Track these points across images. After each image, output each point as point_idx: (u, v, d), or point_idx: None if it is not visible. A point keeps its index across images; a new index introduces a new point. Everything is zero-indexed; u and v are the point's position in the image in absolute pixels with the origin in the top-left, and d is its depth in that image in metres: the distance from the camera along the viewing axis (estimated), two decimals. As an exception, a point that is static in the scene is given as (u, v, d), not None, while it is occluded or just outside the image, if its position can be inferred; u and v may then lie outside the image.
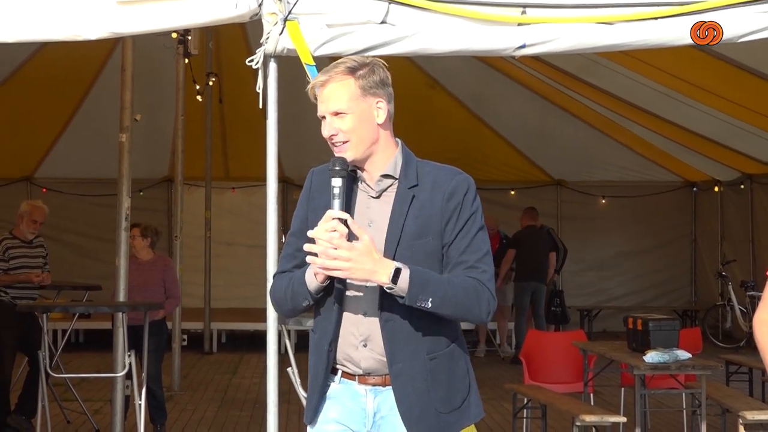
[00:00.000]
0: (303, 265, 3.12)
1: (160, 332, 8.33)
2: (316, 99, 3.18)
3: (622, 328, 8.03)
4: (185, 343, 12.39)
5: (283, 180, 15.84)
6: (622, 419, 6.97)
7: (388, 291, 3.00)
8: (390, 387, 3.12)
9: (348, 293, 3.13)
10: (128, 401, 7.52)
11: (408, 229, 3.09)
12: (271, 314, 4.76)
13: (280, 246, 5.41)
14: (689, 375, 7.45)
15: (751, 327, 12.63)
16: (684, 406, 8.39)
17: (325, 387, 3.18)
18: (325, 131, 3.14)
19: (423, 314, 3.04)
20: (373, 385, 3.15)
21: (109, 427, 7.42)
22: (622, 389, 8.35)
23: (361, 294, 3.11)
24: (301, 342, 13.75)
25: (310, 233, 3.02)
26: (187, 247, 12.45)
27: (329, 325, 3.14)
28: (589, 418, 6.58)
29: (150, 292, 8.28)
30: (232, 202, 16.85)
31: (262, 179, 4.86)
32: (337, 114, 3.12)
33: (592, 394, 7.97)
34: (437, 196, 3.12)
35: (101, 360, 12.52)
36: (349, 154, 3.12)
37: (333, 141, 3.13)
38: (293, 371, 6.20)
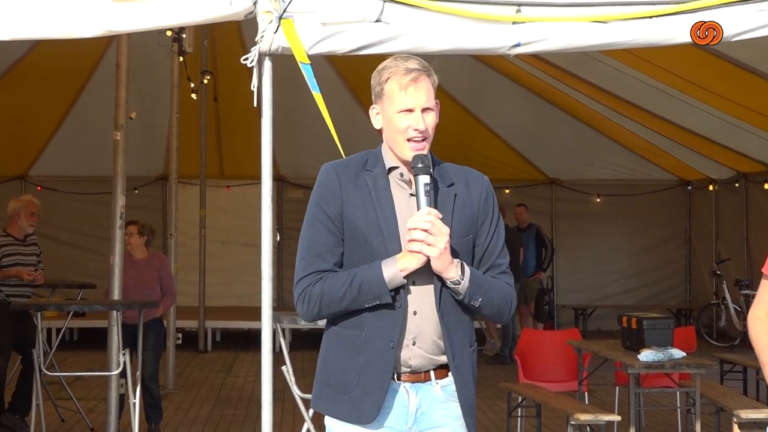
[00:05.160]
0: (342, 262, 3.11)
1: (158, 330, 8.34)
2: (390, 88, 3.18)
3: (616, 327, 8.04)
4: (180, 342, 12.38)
5: (277, 178, 15.84)
6: (617, 418, 6.97)
7: (451, 286, 3.09)
8: (430, 382, 3.17)
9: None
10: (123, 400, 7.51)
11: (455, 228, 3.15)
12: (266, 312, 4.71)
13: (275, 244, 5.41)
14: (683, 374, 7.46)
15: (745, 326, 12.62)
16: (678, 405, 8.40)
17: (386, 386, 3.12)
18: (420, 124, 3.15)
19: (466, 309, 3.17)
20: (414, 382, 3.17)
21: (104, 426, 7.42)
22: (617, 388, 8.35)
23: (414, 293, 3.13)
24: (296, 340, 13.75)
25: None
26: (181, 246, 12.43)
27: (389, 324, 3.09)
28: (584, 417, 6.58)
29: (147, 290, 8.26)
30: (227, 201, 16.83)
31: (257, 177, 4.85)
32: (425, 110, 3.18)
33: (586, 393, 7.98)
34: (474, 195, 3.22)
35: (95, 358, 12.51)
36: (425, 151, 3.16)
37: (414, 137, 3.15)
38: (288, 370, 6.21)
